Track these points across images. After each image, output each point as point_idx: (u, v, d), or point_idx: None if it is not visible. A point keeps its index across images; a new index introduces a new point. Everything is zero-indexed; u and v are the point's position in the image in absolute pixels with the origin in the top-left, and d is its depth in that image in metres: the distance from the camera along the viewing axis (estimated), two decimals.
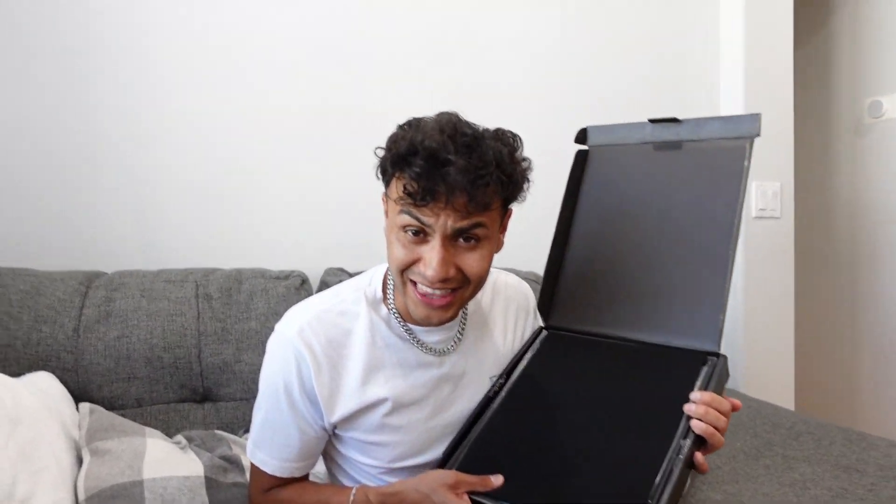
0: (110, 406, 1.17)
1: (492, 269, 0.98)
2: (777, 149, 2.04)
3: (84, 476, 0.96)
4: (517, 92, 1.79)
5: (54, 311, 1.20)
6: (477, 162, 0.71)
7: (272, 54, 1.53)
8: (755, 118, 0.81)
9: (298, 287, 1.37)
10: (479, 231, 0.75)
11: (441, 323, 0.81)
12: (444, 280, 0.75)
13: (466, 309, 0.92)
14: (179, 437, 1.10)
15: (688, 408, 0.71)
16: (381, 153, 0.79)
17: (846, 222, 2.63)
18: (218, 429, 1.23)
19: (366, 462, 0.87)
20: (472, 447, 0.81)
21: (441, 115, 0.78)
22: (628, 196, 0.92)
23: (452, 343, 0.89)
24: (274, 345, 0.85)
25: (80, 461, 0.99)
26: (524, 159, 0.79)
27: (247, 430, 1.21)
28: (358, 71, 1.61)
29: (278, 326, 0.86)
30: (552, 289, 0.95)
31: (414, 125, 0.77)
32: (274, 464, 0.86)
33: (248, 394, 1.26)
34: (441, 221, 0.73)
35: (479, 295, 0.94)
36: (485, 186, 0.72)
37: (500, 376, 0.89)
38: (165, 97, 1.45)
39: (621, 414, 0.76)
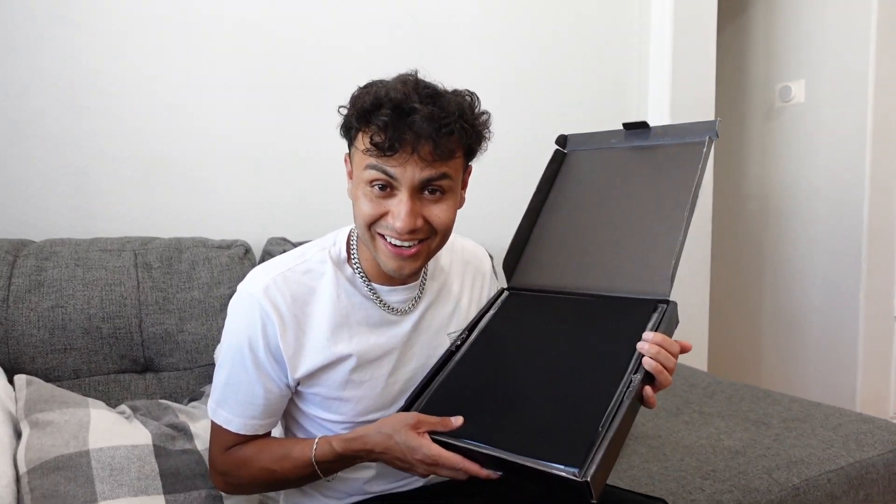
0: (46, 378, 1.13)
1: (452, 238, 1.03)
2: None
3: (24, 448, 0.93)
4: (470, 56, 1.81)
5: None
6: (440, 112, 0.75)
7: (213, 16, 1.48)
8: (713, 123, 0.91)
9: (242, 257, 1.35)
10: (444, 182, 0.78)
11: (412, 273, 0.83)
12: (412, 231, 0.78)
13: (426, 269, 0.96)
14: (123, 407, 1.08)
15: (640, 345, 0.75)
16: (345, 111, 0.81)
17: (756, 198, 2.82)
18: (161, 398, 1.22)
19: (328, 418, 0.89)
20: (433, 393, 0.85)
21: (401, 74, 0.81)
22: (598, 184, 1.00)
23: (413, 302, 0.92)
24: (237, 304, 0.85)
25: (18, 435, 0.97)
26: (483, 112, 0.83)
27: (192, 399, 1.21)
28: (302, 35, 1.59)
29: (241, 286, 0.86)
30: (519, 254, 1.00)
31: (376, 83, 0.79)
32: (238, 422, 0.86)
33: (192, 363, 1.25)
34: (408, 173, 0.76)
35: (438, 256, 0.98)
36: (449, 134, 0.75)
37: (463, 332, 0.93)
38: (97, 60, 1.38)
39: (577, 358, 0.80)
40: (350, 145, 0.84)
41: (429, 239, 0.82)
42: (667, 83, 2.07)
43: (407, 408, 0.85)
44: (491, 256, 1.75)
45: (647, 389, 0.74)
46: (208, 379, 1.26)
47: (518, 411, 0.76)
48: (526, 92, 1.94)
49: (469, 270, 1.03)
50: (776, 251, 2.75)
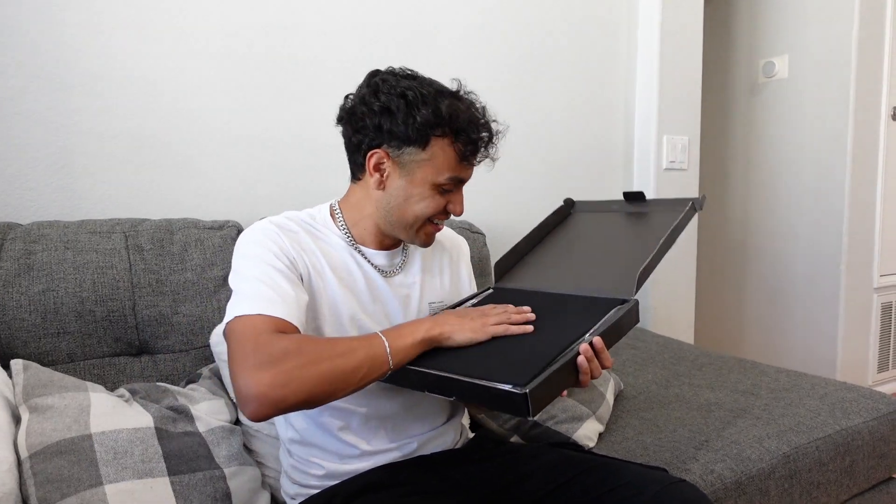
0: (40, 362, 1.12)
1: None
2: (687, 105, 2.18)
3: (25, 433, 0.93)
4: (456, 42, 1.80)
5: None
6: (493, 121, 0.96)
7: None
8: (702, 199, 1.09)
9: (234, 237, 1.34)
10: None
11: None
12: None
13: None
14: (122, 391, 1.08)
15: (583, 347, 0.82)
16: (411, 109, 0.88)
17: (740, 174, 2.86)
18: (158, 381, 1.21)
19: None
20: None
21: (462, 92, 0.95)
22: (593, 229, 1.18)
23: (399, 266, 1.02)
24: (251, 232, 0.91)
25: (17, 420, 0.96)
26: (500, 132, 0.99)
27: (189, 382, 1.20)
28: (295, 16, 1.56)
29: (246, 231, 0.92)
30: (510, 265, 1.14)
31: (441, 93, 0.91)
32: (281, 308, 0.80)
33: (188, 346, 1.25)
34: (470, 174, 0.96)
35: None
36: (491, 142, 0.95)
37: (447, 307, 1.04)
38: (80, 36, 1.35)
39: (537, 329, 0.90)
40: (408, 145, 0.90)
41: None
42: (654, 60, 2.08)
43: None
44: (482, 233, 1.76)
45: (582, 361, 0.82)
46: (205, 361, 1.26)
47: (473, 356, 0.85)
48: (517, 78, 1.93)
49: (446, 251, 1.12)
50: (760, 225, 2.80)
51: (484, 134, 0.92)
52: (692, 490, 0.87)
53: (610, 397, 1.39)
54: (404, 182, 0.92)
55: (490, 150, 0.95)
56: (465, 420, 1.21)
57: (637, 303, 0.93)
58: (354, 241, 0.98)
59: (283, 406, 0.73)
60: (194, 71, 1.46)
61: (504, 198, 1.96)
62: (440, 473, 0.96)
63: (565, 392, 0.85)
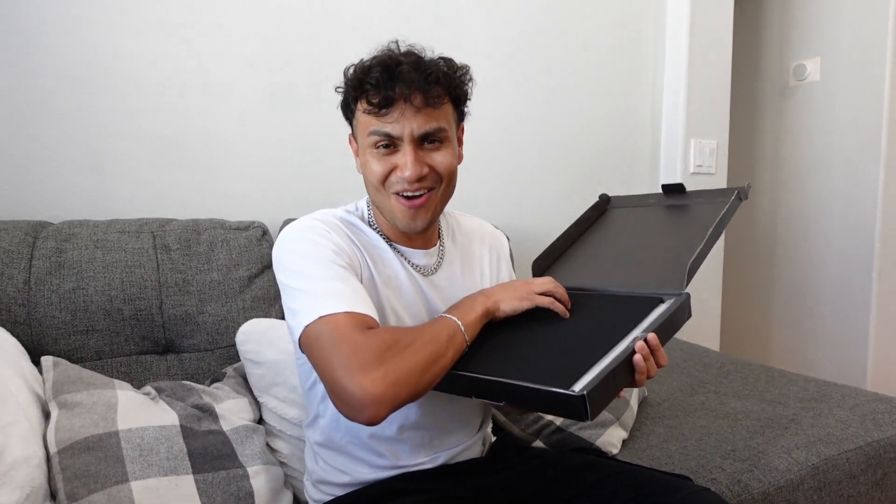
0: (69, 359, 1.14)
1: (470, 215, 1.12)
2: (715, 108, 2.15)
3: (54, 429, 0.95)
4: (481, 41, 1.80)
5: (1, 262, 1.14)
6: (423, 63, 0.86)
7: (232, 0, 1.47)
8: (747, 187, 1.04)
9: (260, 238, 1.36)
10: (440, 134, 0.88)
11: (425, 224, 0.91)
12: (420, 179, 0.88)
13: (441, 234, 1.03)
14: (149, 388, 1.10)
15: (639, 345, 0.79)
16: (342, 88, 0.92)
17: (769, 179, 2.82)
18: (183, 380, 1.23)
19: None
20: None
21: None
22: (632, 224, 1.14)
23: (436, 265, 0.99)
24: (299, 233, 0.88)
25: (46, 415, 0.98)
26: (462, 66, 0.92)
27: (214, 380, 1.21)
28: (321, 11, 1.57)
29: (290, 230, 0.89)
30: (549, 263, 1.12)
31: (360, 61, 0.90)
32: (368, 309, 0.80)
33: (213, 345, 1.26)
34: (407, 130, 0.85)
35: (458, 225, 1.07)
36: (435, 81, 0.85)
37: None
38: (117, 39, 1.37)
39: (581, 329, 0.88)
40: (352, 120, 0.93)
41: (435, 189, 0.90)
42: (683, 61, 2.05)
43: None
44: (508, 238, 1.76)
45: (638, 360, 0.78)
46: (229, 360, 1.27)
47: (522, 358, 0.83)
48: (539, 79, 1.92)
49: (486, 246, 1.09)
50: (789, 230, 2.75)
51: (380, 74, 0.84)
52: (717, 499, 0.85)
53: (634, 404, 1.38)
54: (360, 154, 0.92)
55: (402, 84, 0.83)
56: (488, 427, 1.20)
57: (688, 296, 0.88)
58: (390, 240, 0.97)
59: (399, 403, 0.73)
60: (222, 72, 1.48)
61: (526, 202, 1.95)
62: (464, 481, 0.95)
63: (622, 392, 0.81)
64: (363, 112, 0.87)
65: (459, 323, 0.84)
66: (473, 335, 0.86)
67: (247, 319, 1.25)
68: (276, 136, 1.55)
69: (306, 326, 0.77)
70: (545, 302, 0.90)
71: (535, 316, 0.93)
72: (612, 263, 1.05)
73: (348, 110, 0.93)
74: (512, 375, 0.79)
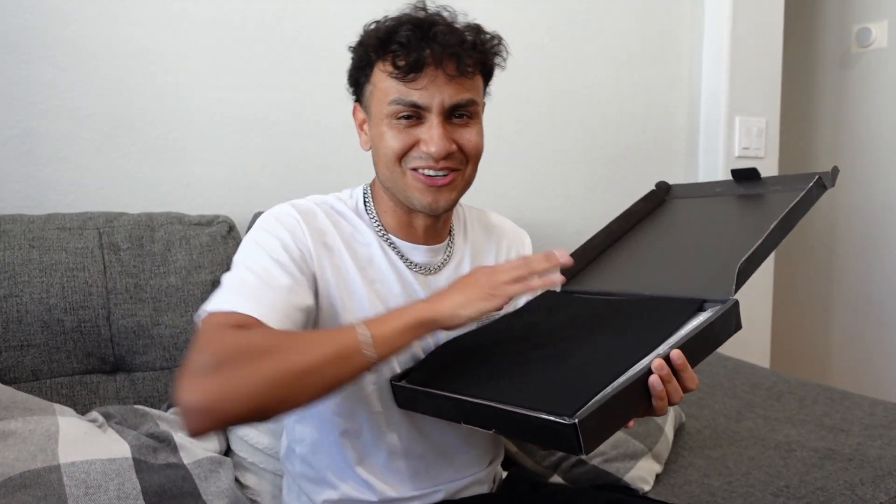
0: None
1: (488, 211, 1.14)
2: (763, 81, 2.16)
3: None
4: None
5: None
6: (459, 27, 0.89)
7: None
8: (834, 172, 1.01)
9: (226, 235, 1.36)
10: (471, 108, 0.91)
11: (448, 206, 0.93)
12: (447, 156, 0.89)
13: (452, 231, 1.04)
14: (95, 415, 1.10)
15: (656, 363, 0.75)
16: (356, 49, 0.93)
17: (828, 163, 2.82)
18: (136, 403, 1.23)
19: None
20: (431, 353, 0.95)
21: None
22: (691, 220, 1.11)
23: (440, 264, 1.00)
24: (263, 217, 0.92)
25: None
26: (494, 35, 0.94)
27: (171, 405, 1.22)
28: None
29: (265, 213, 0.94)
30: (583, 265, 1.09)
31: (385, 18, 0.91)
32: (250, 306, 0.79)
33: (170, 362, 1.26)
34: (437, 98, 0.87)
35: (467, 224, 1.07)
36: (472, 48, 0.88)
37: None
38: (50, 2, 1.37)
39: (594, 341, 0.86)
40: (364, 86, 0.93)
41: (461, 169, 0.92)
42: (726, 26, 2.06)
43: (404, 374, 0.92)
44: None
45: (655, 382, 0.75)
46: None
47: (517, 375, 0.82)
48: (560, 46, 1.93)
49: (504, 244, 1.09)
50: (850, 227, 2.76)
51: (413, 32, 0.85)
52: None
53: (669, 431, 1.38)
54: (371, 127, 0.94)
55: (460, 62, 0.86)
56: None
57: (736, 304, 0.84)
58: (385, 232, 0.98)
59: (226, 419, 0.70)
60: (181, 40, 1.48)
61: (547, 191, 1.95)
62: None
63: (632, 422, 0.78)
64: (386, 75, 0.88)
65: (368, 335, 0.76)
66: (394, 350, 0.78)
67: None
68: (243, 115, 1.55)
69: (198, 322, 0.80)
70: (519, 290, 0.82)
71: (549, 327, 0.93)
72: (654, 265, 1.02)
73: (362, 74, 0.93)
74: (503, 398, 0.77)
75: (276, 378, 0.71)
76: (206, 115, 1.52)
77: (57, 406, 1.07)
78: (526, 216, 1.90)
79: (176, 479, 1.04)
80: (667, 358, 0.75)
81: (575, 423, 0.68)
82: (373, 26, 0.91)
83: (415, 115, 0.88)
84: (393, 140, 0.89)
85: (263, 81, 1.57)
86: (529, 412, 0.73)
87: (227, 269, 1.29)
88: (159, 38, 1.47)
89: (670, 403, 0.76)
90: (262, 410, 0.71)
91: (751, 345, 2.22)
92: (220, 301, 0.81)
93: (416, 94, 0.87)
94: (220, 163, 1.54)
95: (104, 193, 1.44)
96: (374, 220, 0.98)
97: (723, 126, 2.10)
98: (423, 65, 0.85)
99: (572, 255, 1.06)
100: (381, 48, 0.88)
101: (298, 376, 0.72)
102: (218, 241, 1.34)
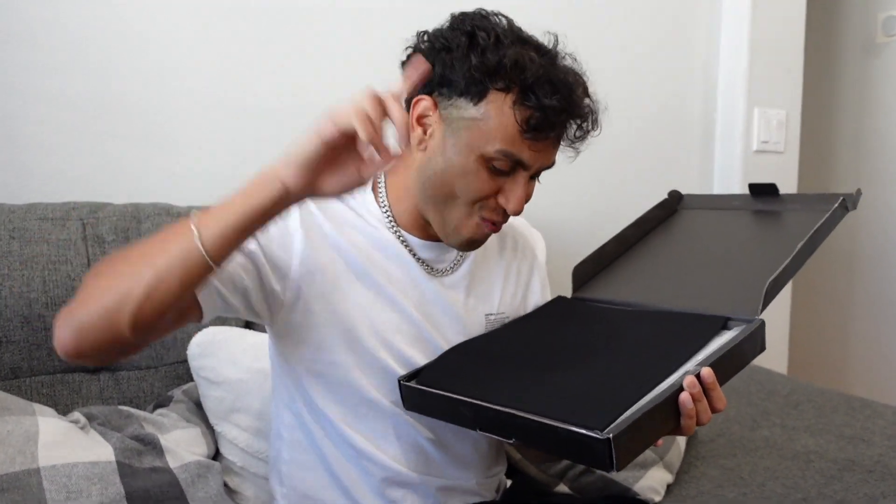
0: None
1: None
2: (784, 71, 2.16)
3: None
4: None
5: None
6: (592, 104, 0.91)
7: None
8: (857, 195, 1.04)
9: None
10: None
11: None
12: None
13: None
14: (77, 416, 1.10)
15: (688, 380, 0.76)
16: (464, 51, 0.86)
17: (851, 157, 2.82)
18: (120, 404, 1.23)
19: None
20: (442, 355, 0.95)
21: (543, 41, 0.93)
22: (706, 231, 1.14)
23: (453, 264, 1.00)
24: None
25: None
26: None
27: (158, 405, 1.22)
28: None
29: None
30: (595, 271, 1.11)
31: (521, 39, 0.88)
32: None
33: (156, 361, 1.26)
34: (539, 164, 0.89)
35: None
36: (592, 125, 0.92)
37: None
38: None
39: (611, 356, 0.87)
40: (457, 97, 0.87)
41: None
42: (745, 13, 2.05)
43: (413, 375, 0.91)
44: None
45: (686, 400, 0.75)
46: (178, 380, 1.27)
47: (540, 383, 0.82)
48: (567, 30, 1.92)
49: (518, 247, 1.09)
50: (872, 227, 2.76)
51: (560, 103, 0.84)
52: None
53: (681, 440, 1.38)
54: (447, 145, 0.88)
55: (571, 133, 0.90)
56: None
57: (762, 324, 0.87)
58: (396, 225, 0.96)
59: (84, 353, 0.73)
60: (170, 20, 1.48)
61: (554, 187, 1.92)
62: None
63: (661, 441, 0.79)
64: (505, 118, 0.85)
65: (194, 230, 0.71)
66: (226, 247, 0.72)
67: (200, 329, 1.26)
68: (236, 100, 1.55)
69: None
70: (351, 121, 0.68)
71: (567, 335, 0.94)
72: (673, 277, 1.04)
73: (465, 83, 0.86)
74: (527, 406, 0.78)
75: (109, 296, 0.71)
76: (196, 99, 1.52)
77: (37, 406, 1.07)
78: (532, 212, 1.90)
79: (162, 484, 1.04)
80: (697, 376, 0.76)
81: (609, 439, 0.68)
82: (517, 50, 0.85)
83: (511, 168, 0.88)
84: (479, 184, 0.88)
85: (257, 64, 1.56)
86: (558, 423, 0.74)
87: None
88: (147, 18, 1.46)
89: (698, 423, 0.77)
90: (113, 343, 0.72)
91: (767, 350, 2.22)
92: None
93: (527, 155, 0.87)
94: (211, 150, 1.54)
95: (88, 182, 1.43)
96: (384, 209, 0.96)
97: (741, 118, 2.10)
98: (551, 132, 0.87)
99: (584, 261, 1.10)
100: (519, 89, 0.85)
101: (128, 291, 0.70)
102: None
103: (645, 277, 1.06)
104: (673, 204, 1.21)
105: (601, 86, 2.01)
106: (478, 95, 0.85)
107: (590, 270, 1.10)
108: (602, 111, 0.94)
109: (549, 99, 0.84)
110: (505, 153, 0.86)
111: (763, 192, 1.12)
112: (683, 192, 1.23)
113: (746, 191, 1.14)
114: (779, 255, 0.93)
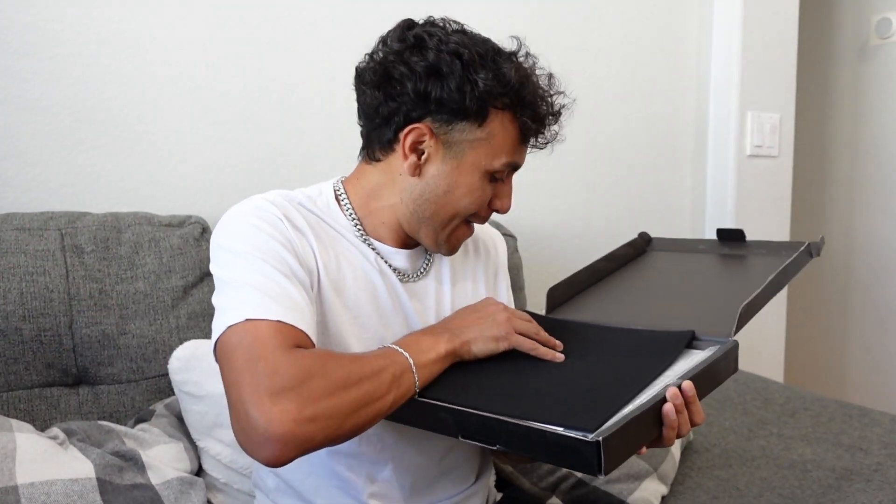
0: None
1: None
2: (777, 74, 2.18)
3: None
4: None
5: None
6: (563, 94, 0.99)
7: None
8: (821, 242, 1.14)
9: (198, 237, 1.36)
10: None
11: None
12: None
13: None
14: (55, 431, 1.10)
15: (671, 391, 0.79)
16: (461, 76, 0.88)
17: (846, 162, 2.85)
18: (100, 419, 1.23)
19: None
20: None
21: (521, 55, 0.97)
22: (676, 269, 1.22)
23: (422, 270, 1.02)
24: (240, 217, 0.89)
25: None
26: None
27: (139, 420, 1.22)
28: None
29: (233, 212, 0.91)
30: (567, 297, 1.17)
31: (496, 51, 0.92)
32: (294, 316, 0.80)
33: (138, 374, 1.26)
34: (524, 158, 0.98)
35: None
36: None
37: None
38: None
39: (587, 367, 0.91)
40: (455, 119, 0.90)
41: None
42: (737, 15, 2.07)
43: None
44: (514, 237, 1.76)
45: (669, 410, 0.78)
46: (159, 394, 1.27)
47: (523, 389, 0.86)
48: (556, 34, 1.94)
49: (481, 250, 1.13)
50: (869, 233, 2.78)
51: (548, 108, 0.95)
52: None
53: (676, 451, 1.39)
54: (448, 168, 0.92)
55: (555, 131, 0.98)
56: (491, 479, 1.21)
57: (736, 345, 0.92)
58: (366, 235, 0.97)
59: (311, 446, 0.73)
60: (151, 25, 1.48)
61: (538, 192, 1.96)
62: None
63: (644, 449, 0.80)
64: (507, 133, 0.92)
65: (412, 362, 0.84)
66: (427, 380, 0.86)
67: (182, 341, 1.26)
68: (219, 107, 1.55)
69: (229, 327, 0.78)
70: (526, 346, 0.93)
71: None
72: (645, 303, 1.10)
73: (478, 106, 0.89)
74: (511, 412, 0.80)
75: (355, 403, 0.76)
76: (178, 106, 1.52)
77: (14, 422, 1.06)
78: (523, 218, 1.91)
79: (143, 501, 1.04)
80: (679, 388, 0.80)
81: (598, 441, 0.71)
82: (508, 67, 0.90)
83: (508, 173, 0.97)
84: (477, 195, 0.94)
85: (240, 71, 1.57)
86: (546, 427, 0.76)
87: (200, 273, 1.34)
88: (127, 23, 1.46)
89: (678, 435, 0.81)
90: (339, 437, 0.76)
91: (763, 358, 2.24)
92: (259, 308, 0.78)
93: (520, 158, 0.96)
94: (193, 158, 1.54)
95: (66, 191, 1.43)
96: (352, 220, 0.97)
97: (734, 122, 2.12)
98: (541, 135, 0.97)
99: (559, 284, 1.15)
100: (518, 105, 0.91)
101: (370, 401, 0.78)
102: (190, 244, 1.34)
103: (617, 303, 1.13)
104: (643, 245, 1.29)
105: (593, 89, 2.05)
106: (482, 117, 0.90)
107: (564, 293, 1.16)
108: (570, 104, 1.00)
109: (541, 108, 0.93)
110: (509, 164, 0.94)
111: (730, 237, 1.22)
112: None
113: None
114: (748, 287, 1.01)
